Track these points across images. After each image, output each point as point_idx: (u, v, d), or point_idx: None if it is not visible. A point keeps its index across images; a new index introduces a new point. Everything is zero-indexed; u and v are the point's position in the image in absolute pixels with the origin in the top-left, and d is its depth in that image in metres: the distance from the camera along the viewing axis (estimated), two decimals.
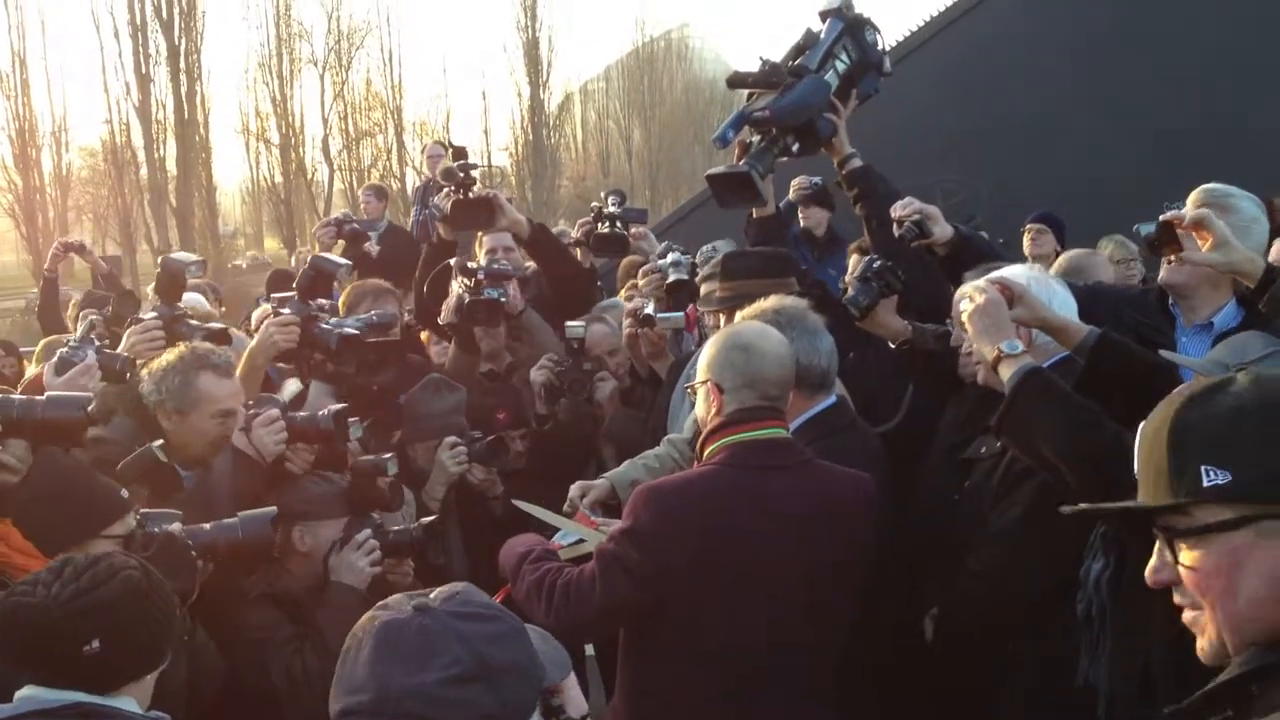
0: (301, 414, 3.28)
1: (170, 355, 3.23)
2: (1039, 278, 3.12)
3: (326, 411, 3.28)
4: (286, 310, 3.81)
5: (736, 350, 2.77)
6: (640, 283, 4.65)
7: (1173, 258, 3.35)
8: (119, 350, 3.56)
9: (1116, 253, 6.02)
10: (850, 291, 3.60)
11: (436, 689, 1.37)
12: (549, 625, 2.75)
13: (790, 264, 3.86)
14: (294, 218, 33.51)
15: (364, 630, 1.45)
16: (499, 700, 1.39)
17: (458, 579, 3.57)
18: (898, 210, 3.63)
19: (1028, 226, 6.76)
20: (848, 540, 2.74)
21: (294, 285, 4.05)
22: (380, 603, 1.49)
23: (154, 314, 3.68)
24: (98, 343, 3.21)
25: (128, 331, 3.65)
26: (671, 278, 4.51)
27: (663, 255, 4.87)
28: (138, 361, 3.47)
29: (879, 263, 3.66)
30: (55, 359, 3.09)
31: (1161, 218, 2.78)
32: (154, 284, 3.93)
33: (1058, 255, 5.79)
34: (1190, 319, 3.40)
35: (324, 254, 4.45)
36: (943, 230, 3.60)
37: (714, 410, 2.78)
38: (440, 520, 3.64)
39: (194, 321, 3.74)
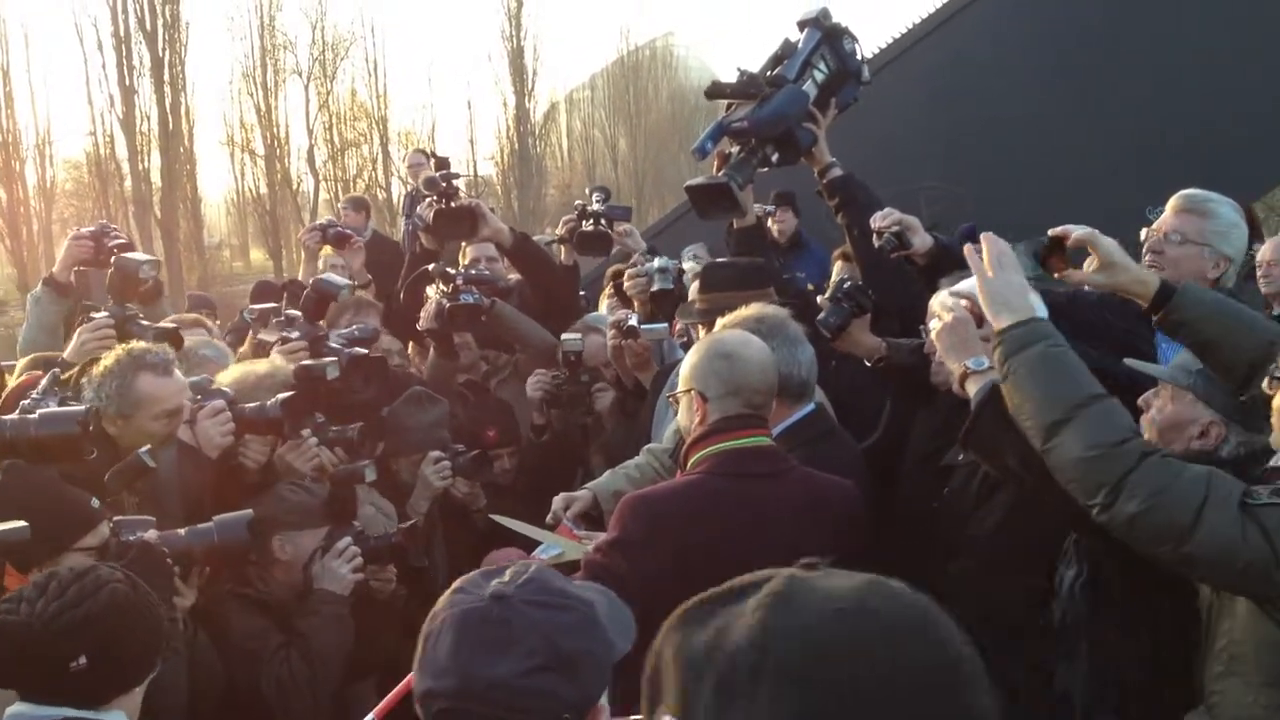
0: (250, 404, 3.24)
1: (108, 359, 3.14)
2: None
3: (275, 401, 3.25)
4: (295, 334, 3.83)
5: (720, 359, 2.77)
6: (626, 284, 4.63)
7: (1149, 260, 3.38)
8: (68, 352, 3.52)
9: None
10: (822, 313, 3.63)
11: (516, 680, 1.43)
12: None
13: (769, 274, 3.87)
14: (279, 229, 33.38)
15: (443, 614, 1.51)
16: (578, 689, 1.46)
17: (440, 590, 3.53)
18: (877, 221, 3.63)
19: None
20: (834, 547, 2.73)
21: (300, 306, 4.08)
22: (458, 584, 1.55)
23: (105, 314, 3.60)
24: (60, 394, 3.13)
25: (78, 331, 3.58)
26: (656, 286, 4.49)
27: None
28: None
29: (849, 283, 3.70)
30: (18, 411, 3.02)
31: (1051, 232, 2.77)
32: (106, 283, 3.87)
33: None
34: None
35: (325, 275, 4.44)
36: (922, 240, 3.60)
37: (698, 419, 2.78)
38: (419, 523, 3.66)
39: (145, 321, 3.68)
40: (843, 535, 2.75)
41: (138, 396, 3.11)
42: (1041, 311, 2.44)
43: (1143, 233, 3.44)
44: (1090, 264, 2.65)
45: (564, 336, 4.39)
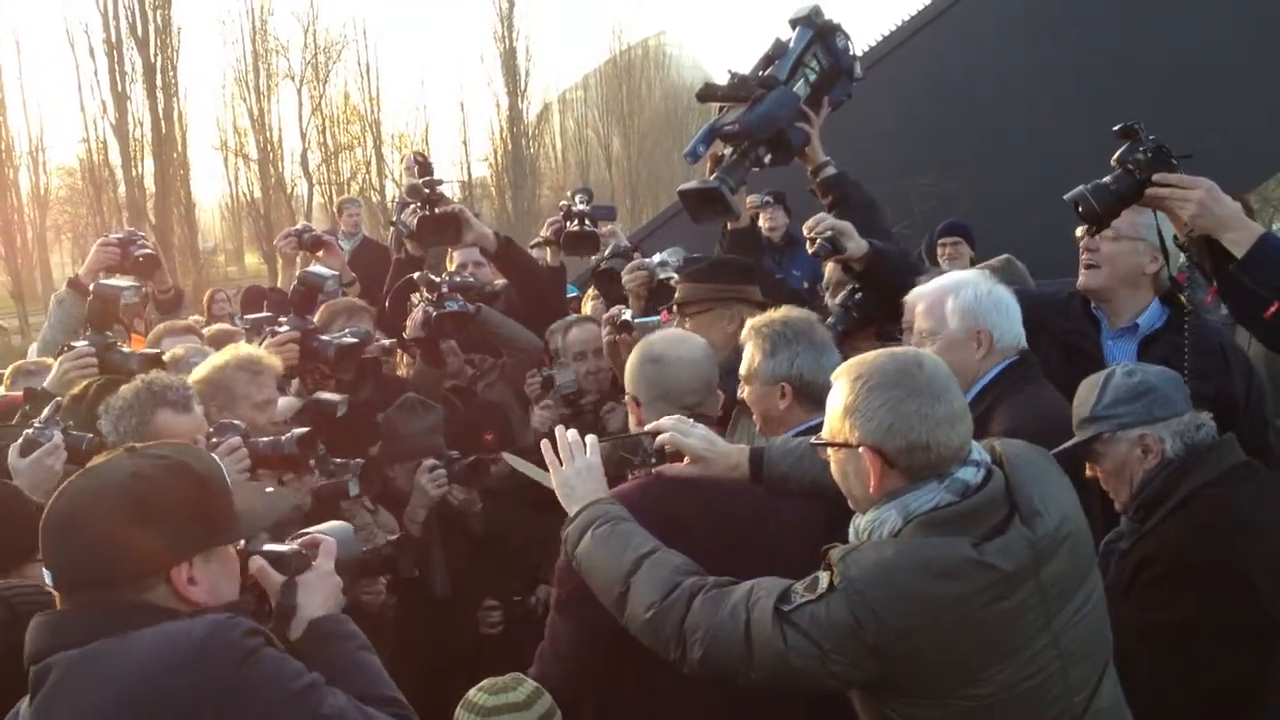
0: (264, 439, 3.22)
1: (126, 392, 3.08)
2: (987, 285, 3.11)
3: (290, 436, 3.24)
4: (285, 327, 3.83)
5: (649, 363, 2.83)
6: (625, 278, 4.64)
7: (1085, 260, 3.34)
8: (49, 381, 3.50)
9: None
10: (830, 318, 3.68)
11: None
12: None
13: (745, 272, 3.88)
14: (274, 233, 33.21)
15: None
16: None
17: (439, 598, 3.54)
18: (808, 228, 3.65)
19: (941, 241, 6.77)
20: (826, 538, 2.69)
21: (288, 301, 4.09)
22: None
23: (85, 342, 3.57)
24: (64, 424, 3.11)
25: (59, 360, 3.55)
26: (661, 276, 4.52)
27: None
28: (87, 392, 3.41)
29: (860, 294, 3.72)
30: (21, 440, 2.97)
31: (644, 429, 2.74)
32: (86, 311, 3.85)
33: (972, 264, 5.74)
34: (1115, 322, 3.37)
35: (311, 268, 4.44)
36: (857, 246, 3.59)
37: (634, 422, 2.86)
38: (409, 535, 3.65)
39: (126, 349, 3.66)
40: (812, 528, 2.67)
41: (155, 433, 3.03)
42: (602, 491, 2.50)
43: (1078, 230, 3.24)
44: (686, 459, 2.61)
45: (558, 381, 4.43)
